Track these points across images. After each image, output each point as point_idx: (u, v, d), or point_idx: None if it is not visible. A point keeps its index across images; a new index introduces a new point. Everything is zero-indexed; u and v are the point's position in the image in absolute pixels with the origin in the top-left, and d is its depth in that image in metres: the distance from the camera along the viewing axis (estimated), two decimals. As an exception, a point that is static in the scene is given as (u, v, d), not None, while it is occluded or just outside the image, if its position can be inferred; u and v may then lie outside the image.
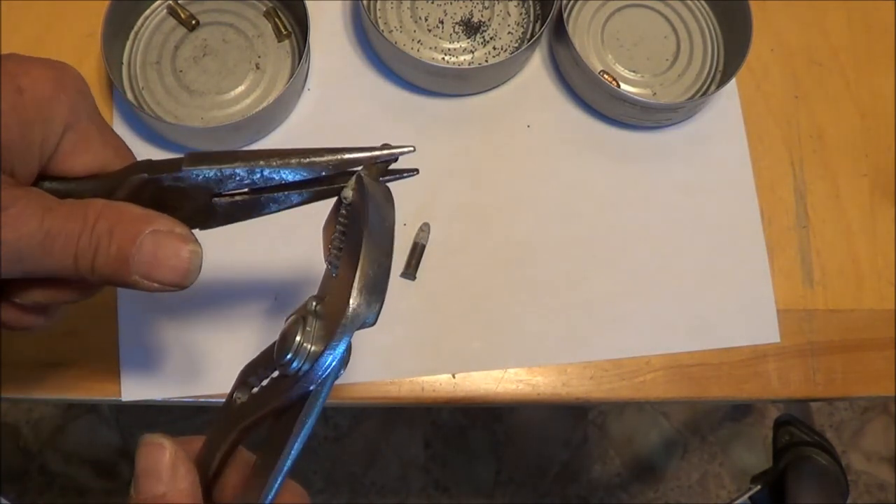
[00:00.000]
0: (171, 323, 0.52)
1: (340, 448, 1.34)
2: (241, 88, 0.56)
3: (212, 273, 0.52)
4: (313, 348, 0.29)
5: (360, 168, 0.32)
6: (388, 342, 0.52)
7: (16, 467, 1.29)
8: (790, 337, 0.56)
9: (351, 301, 0.28)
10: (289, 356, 0.28)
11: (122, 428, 1.31)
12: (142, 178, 0.32)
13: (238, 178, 0.32)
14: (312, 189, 0.33)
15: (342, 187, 0.33)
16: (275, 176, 0.32)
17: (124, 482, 1.29)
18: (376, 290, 0.29)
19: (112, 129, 0.34)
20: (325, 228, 0.34)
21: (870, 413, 1.44)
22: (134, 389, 0.50)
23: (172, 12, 0.57)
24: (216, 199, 0.33)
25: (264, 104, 0.54)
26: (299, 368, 0.29)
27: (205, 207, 0.34)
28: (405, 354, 0.52)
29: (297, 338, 0.29)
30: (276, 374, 0.31)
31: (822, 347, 0.56)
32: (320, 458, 1.32)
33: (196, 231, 0.34)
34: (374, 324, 0.29)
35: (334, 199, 0.34)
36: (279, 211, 0.34)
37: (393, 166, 0.33)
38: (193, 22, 0.56)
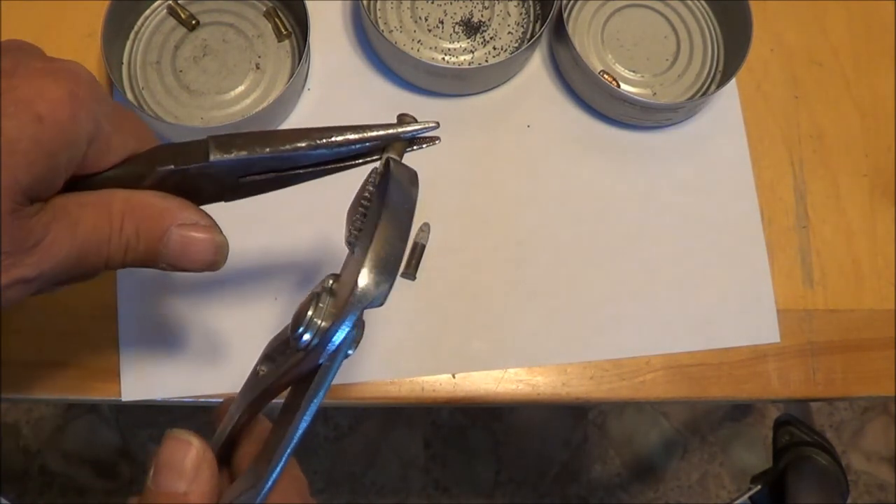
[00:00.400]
0: (172, 323, 0.52)
1: (340, 448, 1.34)
2: (241, 88, 0.56)
3: (212, 274, 0.52)
4: (323, 324, 0.29)
5: (387, 148, 0.33)
6: (388, 342, 0.52)
7: (16, 467, 1.29)
8: (790, 337, 0.56)
9: (359, 279, 0.29)
10: (300, 330, 0.29)
11: (122, 428, 1.31)
12: (168, 170, 0.33)
13: (265, 162, 0.33)
14: (335, 164, 0.34)
15: (366, 161, 0.34)
16: (302, 158, 0.33)
17: (124, 482, 1.29)
18: (386, 271, 0.29)
19: (128, 115, 0.34)
20: (350, 211, 0.34)
21: (870, 413, 1.44)
22: (134, 389, 0.50)
23: (172, 12, 0.57)
24: (243, 178, 0.34)
25: (264, 104, 0.54)
26: (309, 343, 0.29)
27: (233, 185, 0.34)
28: (405, 354, 0.52)
29: (309, 313, 0.29)
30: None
31: (822, 347, 0.56)
32: (320, 458, 1.32)
33: (219, 205, 0.35)
34: (382, 304, 0.29)
35: (355, 174, 0.34)
36: (303, 182, 0.35)
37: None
38: (193, 22, 0.56)
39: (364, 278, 0.29)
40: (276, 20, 0.57)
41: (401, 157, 0.34)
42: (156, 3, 0.57)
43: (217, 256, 0.33)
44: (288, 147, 0.32)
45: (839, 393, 0.56)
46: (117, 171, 0.33)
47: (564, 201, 0.57)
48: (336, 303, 0.30)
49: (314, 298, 0.30)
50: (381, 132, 0.33)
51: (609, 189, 0.57)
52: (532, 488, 1.35)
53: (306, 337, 0.29)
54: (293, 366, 0.30)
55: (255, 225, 0.53)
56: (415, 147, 0.35)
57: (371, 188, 0.33)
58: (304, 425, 0.29)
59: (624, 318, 0.55)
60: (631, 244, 0.56)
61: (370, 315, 0.52)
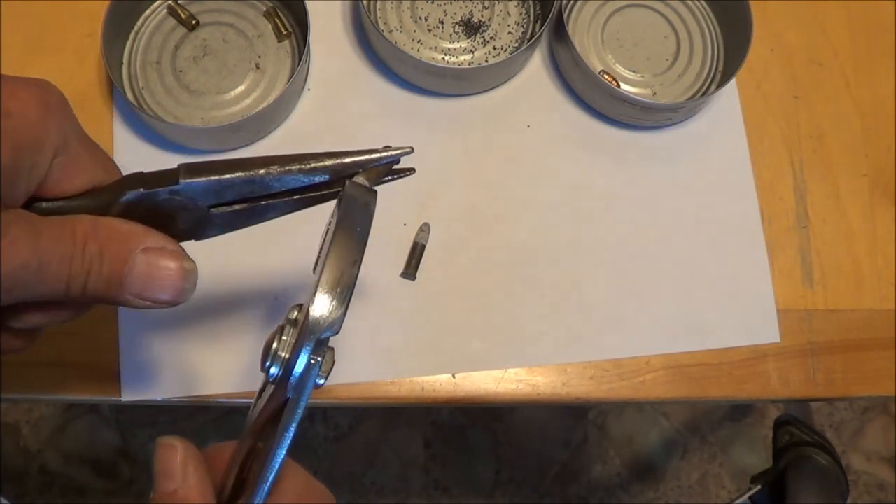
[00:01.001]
0: (172, 323, 0.52)
1: (340, 448, 1.34)
2: (241, 88, 0.56)
3: (212, 274, 0.52)
4: (286, 356, 0.29)
5: (357, 176, 0.32)
6: (388, 342, 0.52)
7: (16, 467, 1.29)
8: (790, 337, 0.56)
9: (311, 309, 0.28)
10: (267, 364, 0.29)
11: (122, 428, 1.31)
12: (137, 194, 0.31)
13: (236, 188, 0.32)
14: (311, 194, 0.33)
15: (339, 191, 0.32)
16: (274, 183, 0.32)
17: (124, 482, 1.29)
18: (337, 297, 0.29)
19: (97, 145, 0.33)
20: (323, 237, 0.34)
21: (870, 413, 1.44)
22: (134, 389, 0.50)
23: (172, 12, 0.57)
24: (213, 209, 0.33)
25: (264, 104, 0.54)
26: (277, 376, 0.29)
27: (202, 218, 0.33)
28: (405, 354, 0.52)
29: (274, 345, 0.29)
30: None
31: (822, 347, 0.56)
32: (320, 458, 1.32)
33: (192, 242, 0.33)
34: (337, 332, 0.29)
35: (323, 207, 0.33)
36: (278, 217, 0.34)
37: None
38: (193, 22, 0.56)
39: (316, 307, 0.28)
40: (276, 20, 0.57)
41: (372, 183, 0.32)
42: (156, 3, 0.57)
43: (186, 283, 0.31)
44: (260, 171, 0.31)
45: (839, 393, 0.56)
46: (83, 201, 0.32)
47: (564, 201, 0.57)
48: (296, 333, 0.29)
49: (279, 331, 0.30)
50: (356, 158, 0.32)
51: (609, 189, 0.57)
52: (532, 488, 1.35)
53: (273, 370, 0.29)
54: (270, 398, 0.30)
55: (256, 225, 0.53)
56: (389, 178, 0.34)
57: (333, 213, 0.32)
58: (277, 463, 0.29)
59: (624, 318, 0.55)
60: (631, 244, 0.56)
61: (370, 315, 0.52)
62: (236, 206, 0.33)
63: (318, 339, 0.28)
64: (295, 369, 0.29)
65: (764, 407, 1.37)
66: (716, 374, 0.55)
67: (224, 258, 0.52)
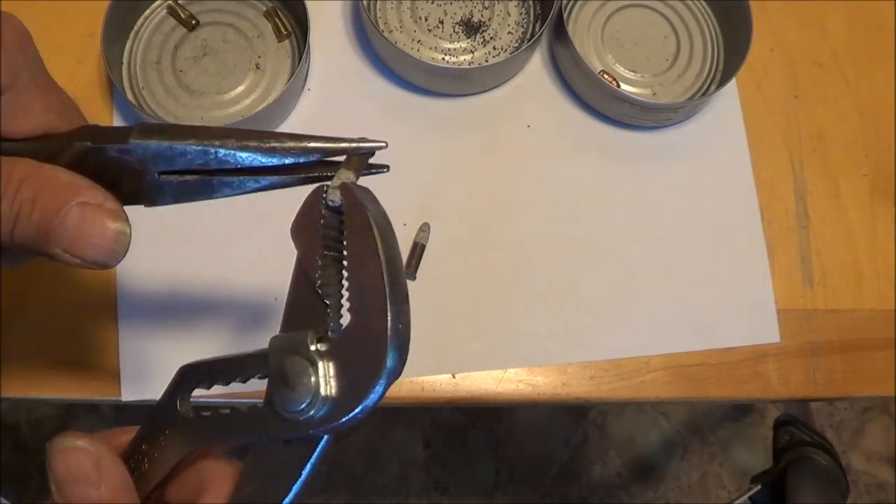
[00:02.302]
0: (172, 323, 0.52)
1: (340, 448, 1.34)
2: (241, 88, 0.56)
3: (212, 274, 0.52)
4: (334, 394, 0.26)
5: (341, 170, 0.29)
6: (388, 342, 0.52)
7: (16, 467, 1.29)
8: (790, 337, 0.56)
9: (387, 359, 0.26)
10: (303, 405, 0.26)
11: (122, 428, 1.31)
12: (85, 147, 0.30)
13: (189, 157, 0.30)
14: (272, 177, 0.31)
15: (308, 178, 0.30)
16: (230, 159, 0.30)
17: (124, 482, 1.29)
18: (406, 346, 0.27)
19: (58, 89, 0.32)
20: (298, 235, 0.30)
21: (870, 413, 1.44)
22: (134, 389, 0.50)
23: (172, 12, 0.57)
24: (164, 176, 0.31)
25: (264, 104, 0.54)
26: (314, 416, 0.27)
27: (152, 183, 0.31)
28: (405, 354, 0.52)
29: (313, 380, 0.26)
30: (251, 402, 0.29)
31: (822, 347, 0.56)
32: (320, 457, 1.32)
33: (146, 208, 0.32)
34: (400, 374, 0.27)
35: (295, 188, 0.31)
36: (233, 195, 0.31)
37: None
38: (193, 22, 0.56)
39: (391, 357, 0.26)
40: (276, 20, 0.57)
41: (356, 177, 0.30)
42: (156, 3, 0.57)
43: (116, 245, 0.28)
44: (216, 142, 0.29)
45: (839, 393, 0.56)
46: (31, 145, 0.30)
47: (564, 201, 0.57)
48: (344, 370, 0.27)
49: (308, 365, 0.27)
50: (323, 143, 0.30)
51: (609, 189, 0.57)
52: (532, 488, 1.35)
53: (312, 411, 0.26)
54: (270, 430, 0.28)
55: (256, 225, 0.53)
56: (364, 173, 0.31)
57: (331, 208, 0.29)
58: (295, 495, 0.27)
59: (624, 318, 0.55)
60: (631, 244, 0.56)
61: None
62: (188, 177, 0.31)
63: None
64: (352, 413, 0.26)
65: (764, 407, 1.37)
66: (716, 374, 0.55)
67: (224, 258, 0.52)
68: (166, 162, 0.30)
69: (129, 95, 0.55)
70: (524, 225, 0.56)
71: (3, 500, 1.12)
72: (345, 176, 0.29)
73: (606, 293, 0.55)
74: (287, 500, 0.27)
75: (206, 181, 0.31)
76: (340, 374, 0.27)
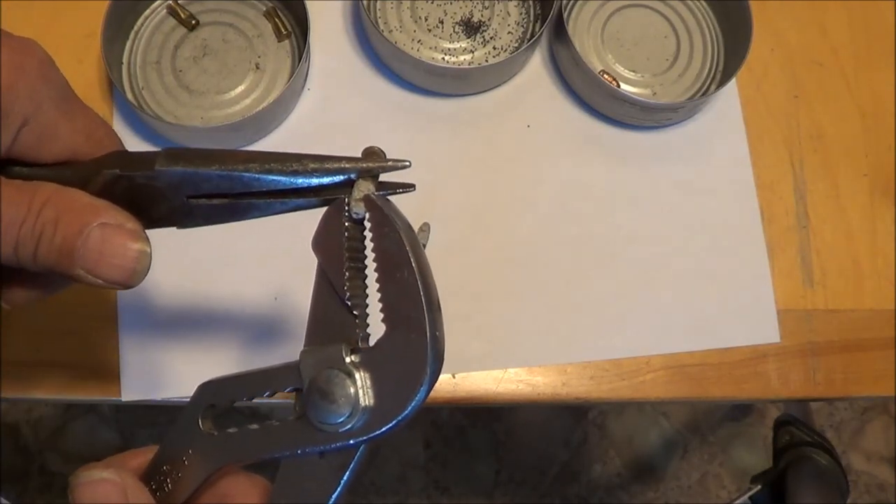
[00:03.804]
0: (172, 323, 0.52)
1: (340, 448, 1.33)
2: (241, 88, 0.56)
3: (212, 274, 0.52)
4: (372, 404, 0.27)
5: (360, 181, 0.30)
6: (388, 342, 0.52)
7: (16, 467, 1.29)
8: (790, 337, 0.56)
9: (427, 367, 0.27)
10: (343, 417, 0.27)
11: (122, 428, 1.31)
12: (113, 174, 0.31)
13: (214, 182, 0.31)
14: (298, 199, 0.31)
15: (333, 199, 0.30)
16: (254, 183, 0.30)
17: (124, 482, 1.29)
18: (443, 350, 0.27)
19: (85, 112, 0.32)
20: (320, 248, 0.30)
21: (870, 413, 1.44)
22: (134, 389, 0.50)
23: (172, 12, 0.57)
24: (192, 199, 0.32)
25: (264, 104, 0.54)
26: (352, 427, 0.27)
27: (182, 206, 0.32)
28: (405, 354, 0.52)
29: (351, 390, 0.27)
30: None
31: (822, 347, 0.56)
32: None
33: (174, 230, 0.33)
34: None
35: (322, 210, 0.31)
36: (262, 217, 0.32)
37: (387, 177, 0.31)
38: (193, 22, 0.56)
39: (430, 365, 0.27)
40: (276, 20, 0.57)
41: (373, 189, 0.30)
42: (156, 3, 0.57)
43: (137, 265, 0.29)
44: (239, 167, 0.30)
45: (839, 393, 0.56)
46: (58, 171, 0.31)
47: (564, 201, 0.57)
48: (381, 381, 0.27)
49: (345, 377, 0.27)
50: (345, 164, 0.30)
51: (609, 189, 0.57)
52: (532, 488, 1.35)
53: (352, 423, 0.27)
54: (300, 442, 0.28)
55: (256, 224, 0.53)
56: (387, 192, 0.31)
57: (355, 220, 0.29)
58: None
59: (624, 318, 0.55)
60: (631, 244, 0.56)
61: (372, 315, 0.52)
62: (216, 200, 0.32)
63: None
64: (389, 423, 0.27)
65: (764, 407, 1.37)
66: (716, 374, 0.55)
67: (224, 258, 0.52)
68: (192, 187, 0.31)
69: (129, 95, 0.55)
70: (524, 225, 0.56)
71: (3, 500, 1.12)
72: (364, 187, 0.30)
73: (606, 293, 0.55)
74: None
75: (235, 204, 0.32)
76: (377, 384, 0.27)
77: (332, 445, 0.28)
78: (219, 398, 0.30)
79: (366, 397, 0.27)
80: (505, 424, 1.37)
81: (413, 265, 0.28)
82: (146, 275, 0.30)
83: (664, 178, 0.58)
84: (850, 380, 0.56)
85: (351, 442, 0.27)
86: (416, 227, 0.54)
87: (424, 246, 0.54)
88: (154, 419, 1.31)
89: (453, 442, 1.35)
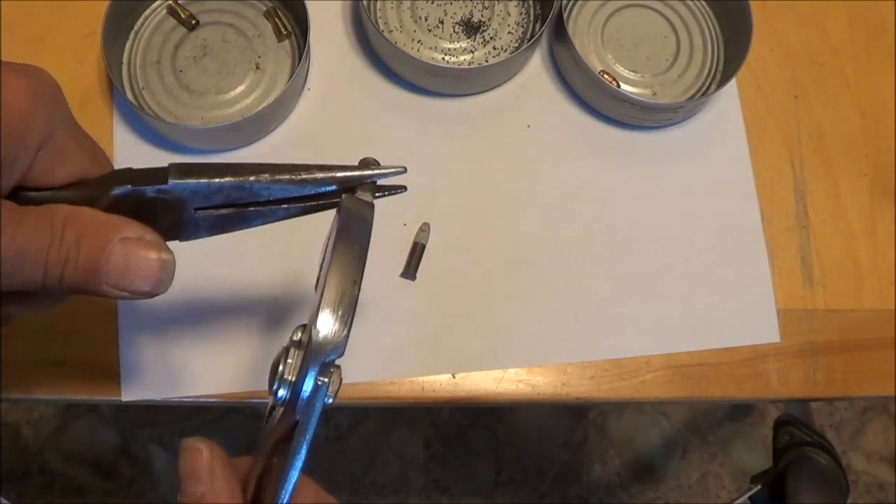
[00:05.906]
0: (172, 323, 0.52)
1: (340, 448, 1.34)
2: (241, 88, 0.56)
3: (212, 275, 0.52)
4: (292, 378, 0.29)
5: (353, 185, 0.32)
6: (388, 342, 0.52)
7: (16, 467, 1.29)
8: (790, 337, 0.56)
9: (313, 333, 0.28)
10: (274, 387, 0.29)
11: (122, 428, 1.31)
12: (125, 190, 0.32)
13: (225, 193, 0.32)
14: (299, 204, 0.33)
15: (331, 203, 0.33)
16: (263, 191, 0.32)
17: (124, 482, 1.29)
18: (340, 320, 0.29)
19: (87, 136, 0.33)
20: (322, 251, 0.34)
21: (870, 413, 1.44)
22: (134, 389, 0.50)
23: (172, 12, 0.57)
24: (200, 211, 0.33)
25: (264, 104, 0.54)
26: (285, 398, 0.29)
27: (189, 219, 0.33)
28: (405, 354, 0.52)
29: (280, 368, 0.29)
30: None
31: (822, 347, 0.56)
32: (320, 458, 1.32)
33: (177, 242, 0.33)
34: (342, 354, 0.29)
35: (321, 214, 0.33)
36: (264, 224, 0.34)
37: (382, 182, 0.34)
38: (193, 22, 0.56)
39: (319, 330, 0.28)
40: (276, 20, 0.57)
41: (372, 198, 0.33)
42: (156, 3, 0.57)
43: (162, 274, 0.30)
44: (251, 178, 0.31)
45: (839, 393, 0.56)
46: (70, 193, 0.32)
47: (564, 201, 0.57)
48: (302, 355, 0.29)
49: (284, 353, 0.30)
50: (347, 173, 0.32)
51: (609, 189, 0.57)
52: (532, 488, 1.35)
53: (281, 393, 0.29)
54: (280, 419, 0.30)
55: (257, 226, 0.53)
56: (381, 194, 0.34)
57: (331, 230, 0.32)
58: (291, 483, 0.29)
59: (624, 318, 0.55)
60: (631, 244, 0.56)
61: (370, 315, 0.52)
62: (223, 210, 0.33)
63: (324, 361, 0.28)
64: (302, 392, 0.29)
65: (764, 407, 1.37)
66: (716, 374, 0.55)
67: (224, 258, 0.52)
68: (203, 198, 0.32)
69: (129, 95, 0.55)
70: (524, 225, 0.56)
71: (3, 500, 1.12)
72: (364, 196, 0.32)
73: (607, 293, 0.55)
74: (283, 493, 0.29)
75: (241, 213, 0.33)
76: (301, 358, 0.30)
77: (276, 410, 0.30)
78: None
79: (290, 373, 0.30)
80: (505, 424, 1.37)
81: (335, 240, 0.30)
82: (171, 282, 0.31)
83: (664, 178, 0.58)
84: (850, 380, 0.56)
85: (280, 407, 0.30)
86: (416, 228, 0.54)
87: (424, 246, 0.54)
88: (154, 419, 1.31)
89: (453, 442, 1.35)
